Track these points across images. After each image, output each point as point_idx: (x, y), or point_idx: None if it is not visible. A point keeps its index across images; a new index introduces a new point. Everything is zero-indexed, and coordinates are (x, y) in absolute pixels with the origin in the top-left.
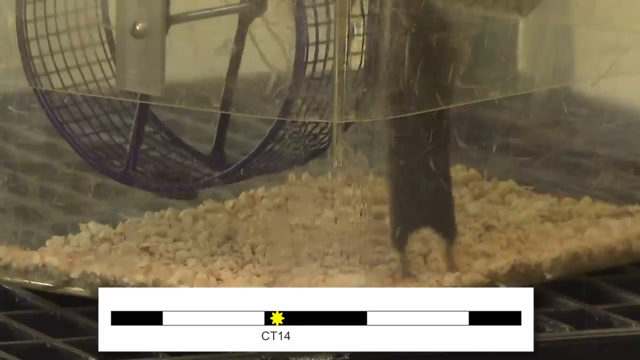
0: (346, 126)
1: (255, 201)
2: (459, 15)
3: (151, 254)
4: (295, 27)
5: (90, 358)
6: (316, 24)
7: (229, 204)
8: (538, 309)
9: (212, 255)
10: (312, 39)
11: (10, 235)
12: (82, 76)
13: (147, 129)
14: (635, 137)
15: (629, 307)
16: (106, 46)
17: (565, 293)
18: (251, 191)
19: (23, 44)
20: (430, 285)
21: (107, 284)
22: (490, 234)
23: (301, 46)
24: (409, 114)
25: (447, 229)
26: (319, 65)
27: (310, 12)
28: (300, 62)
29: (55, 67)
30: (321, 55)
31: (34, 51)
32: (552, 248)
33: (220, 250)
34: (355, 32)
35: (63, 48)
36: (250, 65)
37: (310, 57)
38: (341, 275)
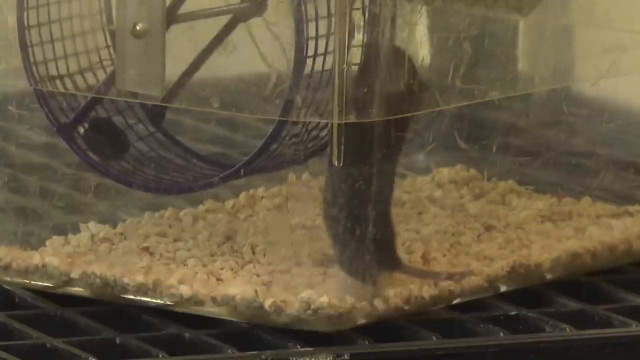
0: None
1: (255, 201)
2: (459, 15)
3: (151, 254)
4: (295, 27)
5: (90, 358)
6: (316, 24)
7: (229, 204)
8: (538, 309)
9: (212, 255)
10: (312, 39)
11: (10, 235)
12: (84, 78)
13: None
14: (635, 137)
15: (629, 307)
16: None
17: (565, 293)
18: (251, 191)
19: (24, 44)
20: (429, 287)
21: (107, 284)
22: (490, 234)
23: (300, 46)
24: (409, 114)
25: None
26: (319, 66)
27: (310, 11)
28: (299, 63)
29: (57, 69)
30: (321, 55)
31: (36, 53)
32: (552, 248)
33: (221, 250)
34: (355, 32)
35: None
36: (250, 65)
37: (310, 57)
38: (342, 275)
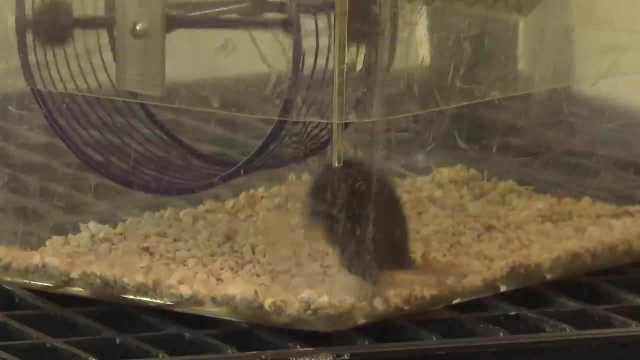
0: (346, 126)
1: (255, 201)
2: (459, 15)
3: (151, 254)
4: (292, 27)
5: (90, 358)
6: (315, 24)
7: (229, 204)
8: (538, 309)
9: (212, 255)
10: (312, 39)
11: (10, 235)
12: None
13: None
14: (635, 137)
15: (629, 307)
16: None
17: (565, 293)
18: (251, 191)
19: (23, 43)
20: (430, 287)
21: (107, 284)
22: (490, 234)
23: (297, 46)
24: (408, 114)
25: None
26: (320, 65)
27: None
28: (297, 62)
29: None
30: (321, 55)
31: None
32: (552, 248)
33: (221, 250)
34: (355, 32)
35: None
36: (250, 65)
37: (310, 57)
38: (341, 275)
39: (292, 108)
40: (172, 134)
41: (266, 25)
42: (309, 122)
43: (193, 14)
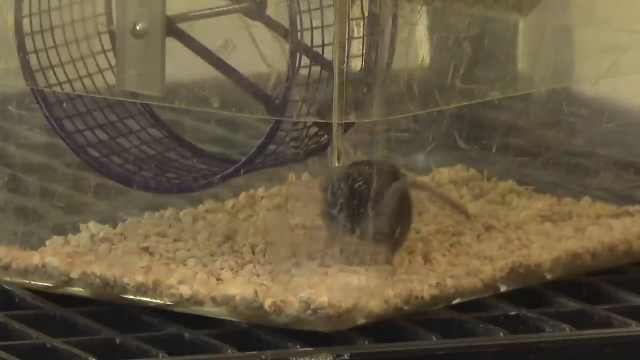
0: (346, 126)
1: (255, 201)
2: (459, 15)
3: (151, 254)
4: (289, 27)
5: (90, 358)
6: (311, 24)
7: (229, 204)
8: (538, 309)
9: (212, 255)
10: (311, 39)
11: (10, 235)
12: (91, 79)
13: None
14: (635, 137)
15: (629, 307)
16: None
17: (565, 293)
18: (251, 191)
19: (22, 43)
20: (430, 287)
21: (107, 284)
22: (490, 234)
23: (294, 46)
24: (408, 114)
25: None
26: (319, 66)
27: (312, 12)
28: (293, 61)
29: (60, 62)
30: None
31: (32, 48)
32: (552, 248)
33: (220, 250)
34: (355, 32)
35: (63, 50)
36: (250, 65)
37: (309, 58)
38: (341, 275)
39: (287, 107)
40: (173, 132)
41: (253, 89)
42: (309, 123)
43: (191, 14)
